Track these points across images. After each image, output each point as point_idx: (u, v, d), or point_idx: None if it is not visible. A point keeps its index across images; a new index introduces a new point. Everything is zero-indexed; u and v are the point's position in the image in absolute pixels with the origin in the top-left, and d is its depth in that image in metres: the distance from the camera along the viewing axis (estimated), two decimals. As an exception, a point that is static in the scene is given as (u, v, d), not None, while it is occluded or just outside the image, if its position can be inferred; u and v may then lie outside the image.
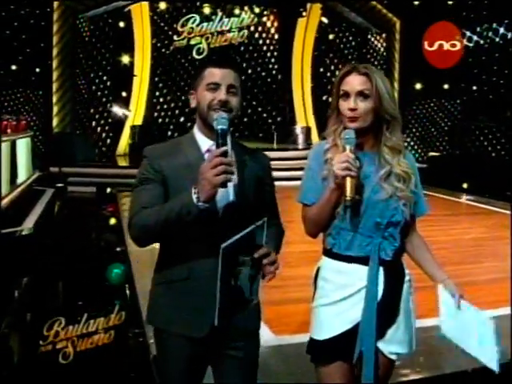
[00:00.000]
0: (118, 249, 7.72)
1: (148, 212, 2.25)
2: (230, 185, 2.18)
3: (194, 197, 2.12)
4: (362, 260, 2.53)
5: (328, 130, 2.61)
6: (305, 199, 2.58)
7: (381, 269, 2.54)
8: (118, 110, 17.08)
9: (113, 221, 9.80)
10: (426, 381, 4.21)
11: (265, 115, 19.66)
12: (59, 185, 12.86)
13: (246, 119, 19.55)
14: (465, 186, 13.90)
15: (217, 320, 2.18)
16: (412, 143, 17.97)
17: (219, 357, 2.45)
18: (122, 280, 6.00)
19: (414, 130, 18.12)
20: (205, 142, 2.41)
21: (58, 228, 9.36)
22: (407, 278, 2.63)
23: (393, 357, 2.59)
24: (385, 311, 2.54)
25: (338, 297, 2.56)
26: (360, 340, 2.53)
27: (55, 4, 14.95)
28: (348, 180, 2.33)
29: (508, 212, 11.07)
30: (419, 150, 18.00)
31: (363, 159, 2.53)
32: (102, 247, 7.90)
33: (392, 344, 2.58)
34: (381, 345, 2.56)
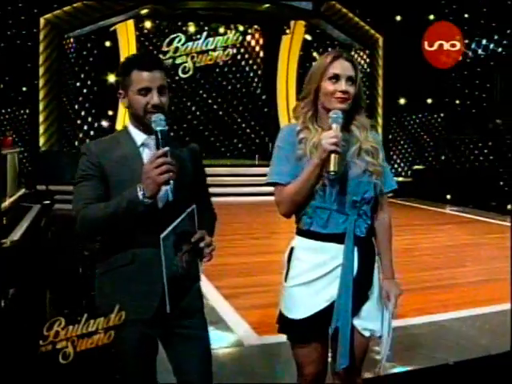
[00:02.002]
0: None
1: (94, 207, 2.33)
2: (171, 181, 2.29)
3: (140, 194, 2.23)
4: (337, 238, 2.59)
5: (298, 112, 2.69)
6: (280, 179, 2.61)
7: (355, 247, 2.60)
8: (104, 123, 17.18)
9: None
10: (408, 374, 4.30)
11: (248, 131, 19.79)
12: (46, 202, 12.87)
13: (231, 135, 19.72)
14: (448, 197, 14.04)
15: (169, 307, 2.30)
16: (395, 157, 18.09)
17: (168, 336, 2.54)
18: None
19: (398, 144, 18.26)
20: (139, 136, 2.49)
21: (44, 240, 9.37)
22: (377, 257, 2.72)
23: (366, 333, 2.65)
24: (359, 288, 2.60)
25: (313, 276, 2.62)
26: (336, 317, 2.59)
27: (41, 23, 15.04)
28: (333, 156, 2.40)
29: (490, 220, 11.26)
30: (402, 164, 18.12)
31: None
32: (86, 256, 7.92)
33: (366, 320, 2.64)
34: (356, 321, 2.62)
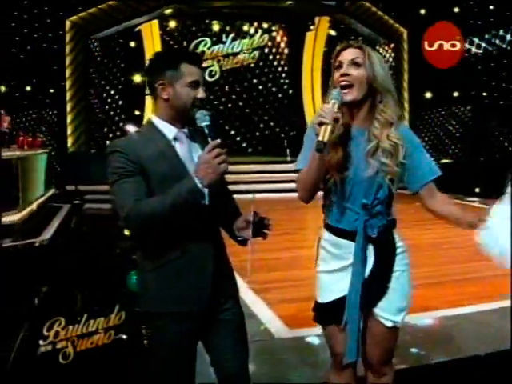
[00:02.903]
0: (135, 257, 7.81)
1: (148, 202, 2.34)
2: None
3: (199, 182, 2.27)
4: (351, 235, 2.62)
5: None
6: (297, 165, 2.67)
7: (370, 245, 2.63)
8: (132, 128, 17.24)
9: (127, 231, 9.90)
10: (442, 364, 4.30)
11: (277, 130, 19.79)
12: (76, 201, 13.01)
13: (258, 134, 19.71)
14: (477, 190, 13.93)
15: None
16: (424, 151, 17.97)
17: (210, 325, 2.58)
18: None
19: (425, 138, 18.12)
20: (170, 130, 2.51)
21: (75, 238, 9.47)
22: (400, 249, 2.71)
23: (388, 323, 2.67)
24: (376, 282, 2.65)
25: (334, 266, 2.70)
26: (346, 312, 2.66)
27: (67, 26, 15.20)
28: (322, 127, 2.37)
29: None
30: (431, 158, 17.98)
31: (357, 135, 2.61)
32: (118, 254, 7.99)
33: (386, 311, 2.67)
34: (377, 311, 2.67)
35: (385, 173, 2.55)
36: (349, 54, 2.56)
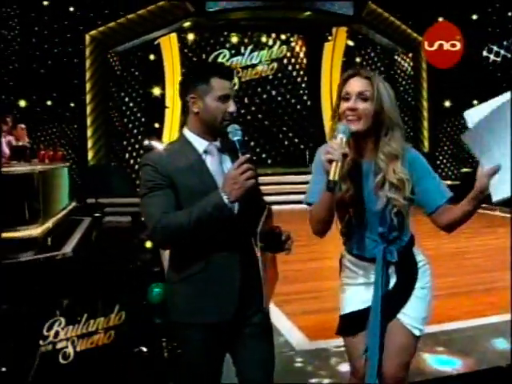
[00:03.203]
0: (155, 269, 7.85)
1: (175, 215, 2.38)
2: None
3: (225, 198, 2.30)
4: (371, 260, 2.66)
5: (331, 132, 2.63)
6: (307, 198, 2.67)
7: (392, 266, 2.66)
8: (151, 144, 17.33)
9: (148, 244, 9.94)
10: (461, 376, 4.27)
11: (296, 141, 19.80)
12: (96, 214, 13.09)
13: (277, 145, 19.71)
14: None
15: (265, 303, 2.46)
16: (444, 160, 17.90)
17: (237, 338, 2.58)
18: (162, 299, 6.09)
19: (445, 147, 18.06)
20: (201, 144, 2.53)
21: (96, 251, 9.52)
22: (421, 263, 2.72)
23: (416, 332, 2.67)
24: (399, 296, 2.67)
25: (353, 281, 2.74)
26: (367, 337, 2.67)
27: (87, 40, 15.36)
28: (333, 165, 2.32)
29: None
30: (451, 167, 17.92)
31: (364, 168, 2.61)
32: (139, 267, 8.02)
33: (413, 320, 2.67)
34: (404, 319, 2.67)
35: (393, 206, 2.55)
36: (357, 86, 2.53)
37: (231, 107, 2.48)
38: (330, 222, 2.60)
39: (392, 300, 2.64)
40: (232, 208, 2.35)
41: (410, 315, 2.66)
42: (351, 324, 2.74)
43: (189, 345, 2.57)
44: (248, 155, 2.33)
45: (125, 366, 4.19)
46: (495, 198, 2.27)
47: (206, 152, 2.51)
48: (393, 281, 2.67)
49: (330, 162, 2.32)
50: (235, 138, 2.39)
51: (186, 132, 2.56)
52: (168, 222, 2.36)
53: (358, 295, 2.72)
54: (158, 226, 2.37)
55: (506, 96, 2.21)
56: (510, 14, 15.32)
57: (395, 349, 2.66)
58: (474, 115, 2.28)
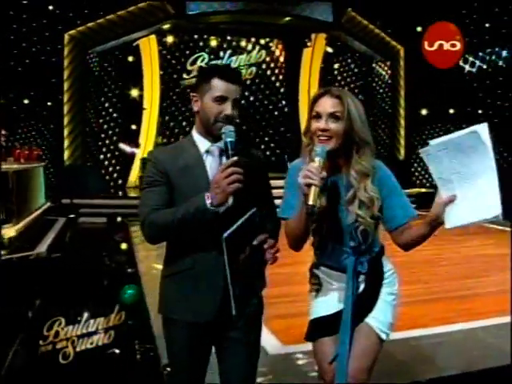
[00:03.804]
0: (130, 270, 7.84)
1: (162, 213, 2.41)
2: None
3: (208, 202, 2.29)
4: (343, 269, 2.70)
5: (302, 149, 2.69)
6: (283, 214, 2.71)
7: (361, 276, 2.72)
8: (126, 147, 17.25)
9: (123, 245, 9.92)
10: (433, 382, 4.31)
11: (273, 145, 19.80)
12: (71, 215, 13.00)
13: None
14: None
15: (234, 310, 2.35)
16: (419, 168, 18.03)
17: (222, 339, 2.59)
18: (135, 300, 6.07)
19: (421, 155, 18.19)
20: (203, 144, 2.54)
21: (70, 251, 9.46)
22: (389, 272, 2.79)
23: (383, 336, 2.71)
24: (367, 301, 2.72)
25: (325, 289, 2.79)
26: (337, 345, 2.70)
27: (65, 40, 15.26)
28: (312, 189, 2.33)
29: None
30: (426, 175, 18.05)
31: (336, 184, 2.65)
32: (113, 268, 7.99)
33: (380, 324, 2.72)
34: (373, 322, 2.71)
35: (361, 223, 2.60)
36: (328, 106, 2.56)
37: (227, 110, 2.46)
38: (306, 239, 2.67)
39: (360, 305, 2.69)
40: (216, 211, 2.31)
41: (379, 318, 2.71)
42: (321, 328, 2.78)
43: (172, 340, 2.61)
44: (235, 158, 2.30)
45: (125, 365, 4.21)
46: (448, 225, 2.36)
47: (207, 152, 2.53)
48: (361, 287, 2.72)
49: (309, 185, 2.34)
50: (227, 140, 2.36)
51: (193, 131, 2.60)
52: (154, 219, 2.40)
53: (328, 300, 2.76)
54: (146, 222, 2.42)
55: (469, 129, 2.28)
56: (487, 24, 15.48)
57: (359, 351, 2.68)
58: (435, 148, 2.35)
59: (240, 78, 2.58)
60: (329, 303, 2.75)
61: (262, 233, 2.45)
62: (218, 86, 2.46)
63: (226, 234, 2.26)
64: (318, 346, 2.81)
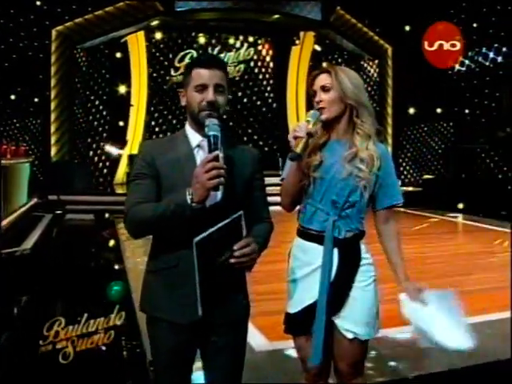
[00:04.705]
0: (117, 267, 7.83)
1: (144, 207, 2.35)
2: (220, 186, 2.25)
3: (188, 198, 2.22)
4: (320, 239, 2.75)
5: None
6: (282, 175, 2.88)
7: (335, 249, 2.74)
8: (111, 148, 17.20)
9: (111, 242, 9.90)
10: (417, 379, 4.33)
11: (261, 143, 19.82)
12: (57, 212, 12.95)
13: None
14: (458, 206, 14.02)
15: (200, 310, 2.30)
16: (407, 167, 18.12)
17: (205, 342, 2.53)
18: (121, 297, 6.07)
19: (408, 153, 18.27)
20: (195, 138, 2.49)
21: (56, 249, 9.43)
22: (365, 261, 2.81)
23: (349, 335, 2.75)
24: (338, 290, 2.74)
25: (302, 273, 2.81)
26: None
27: (53, 35, 15.19)
28: (297, 140, 2.60)
29: (500, 229, 11.22)
30: (414, 174, 18.14)
31: (336, 145, 2.80)
32: (99, 264, 7.98)
33: (347, 322, 2.75)
34: (338, 321, 2.76)
35: (359, 178, 2.71)
36: (319, 81, 2.80)
37: (209, 96, 2.41)
38: (297, 194, 2.81)
39: (333, 293, 2.72)
40: (197, 207, 2.24)
41: (344, 316, 2.77)
42: (298, 322, 2.82)
43: (156, 340, 2.55)
44: (216, 152, 2.23)
45: (125, 365, 4.21)
46: (405, 315, 2.79)
47: (198, 146, 2.48)
48: (335, 266, 2.73)
49: (295, 138, 2.59)
50: (210, 133, 2.30)
51: (186, 125, 2.56)
52: (136, 212, 2.35)
53: (303, 292, 2.78)
54: (128, 215, 2.38)
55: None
56: (475, 24, 15.55)
57: (337, 351, 2.82)
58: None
59: (219, 62, 2.52)
60: (305, 293, 2.78)
61: (248, 236, 2.40)
62: (197, 74, 2.44)
63: (197, 239, 2.22)
64: (298, 341, 2.88)
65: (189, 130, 2.54)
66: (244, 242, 2.32)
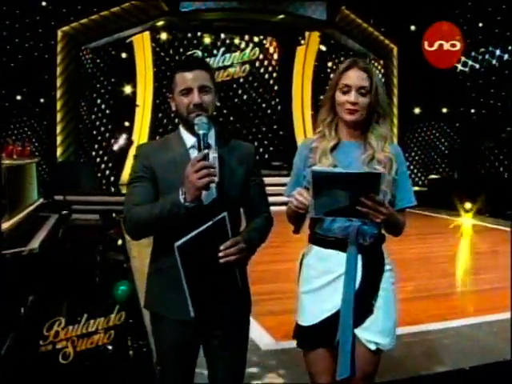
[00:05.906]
0: (123, 266, 7.84)
1: (141, 209, 2.38)
2: (213, 185, 2.28)
3: (182, 198, 2.25)
4: (342, 245, 2.59)
5: (318, 121, 2.72)
6: (286, 192, 2.69)
7: (359, 256, 2.59)
8: (117, 149, 17.20)
9: (117, 242, 9.90)
10: (425, 379, 4.32)
11: (266, 143, 19.79)
12: (63, 212, 12.97)
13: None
14: (464, 206, 13.98)
15: (192, 312, 2.31)
16: (412, 167, 18.08)
17: (207, 338, 2.55)
18: (127, 296, 6.07)
19: (413, 153, 18.23)
20: (189, 139, 2.52)
21: (62, 249, 9.45)
22: (388, 267, 2.69)
23: (371, 346, 2.60)
24: (363, 299, 2.59)
25: (319, 283, 2.65)
26: (340, 328, 2.58)
27: (58, 36, 15.21)
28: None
29: (506, 229, 11.18)
30: (419, 174, 18.10)
31: (351, 147, 2.65)
32: (105, 264, 7.99)
33: (370, 332, 2.61)
34: (359, 332, 2.60)
35: None
36: (357, 79, 2.58)
37: (194, 99, 2.42)
38: (304, 219, 2.65)
39: (357, 303, 2.57)
40: (192, 206, 2.26)
41: (366, 327, 2.61)
42: (314, 336, 2.66)
43: (159, 337, 2.60)
44: (205, 152, 2.25)
45: (125, 365, 4.21)
46: None
47: (193, 147, 2.47)
48: (359, 275, 2.59)
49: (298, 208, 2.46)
50: (200, 132, 2.33)
51: (180, 126, 2.58)
52: (133, 214, 2.39)
53: (319, 304, 2.64)
54: (127, 218, 2.42)
55: None
56: (480, 24, 15.52)
57: (357, 364, 2.61)
58: None
59: (201, 63, 2.53)
60: (320, 306, 2.64)
61: (245, 233, 2.45)
62: (181, 78, 2.45)
63: (178, 243, 2.23)
64: (310, 356, 2.71)
65: (183, 131, 2.56)
66: (230, 242, 2.32)
